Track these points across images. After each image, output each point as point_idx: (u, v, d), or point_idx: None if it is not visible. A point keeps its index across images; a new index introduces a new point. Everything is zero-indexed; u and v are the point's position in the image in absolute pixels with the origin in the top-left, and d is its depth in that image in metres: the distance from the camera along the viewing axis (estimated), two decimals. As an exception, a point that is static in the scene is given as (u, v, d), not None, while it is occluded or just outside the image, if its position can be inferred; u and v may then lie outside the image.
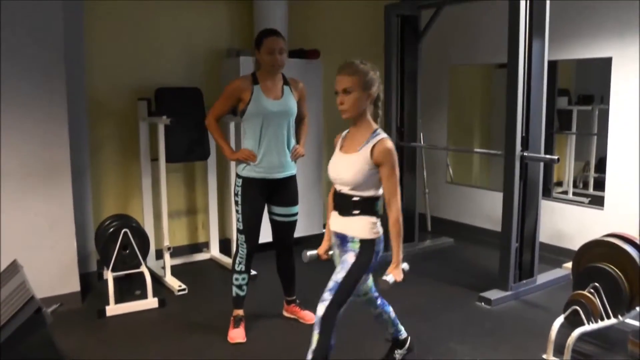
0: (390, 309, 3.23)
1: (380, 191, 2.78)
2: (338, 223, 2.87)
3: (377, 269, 2.84)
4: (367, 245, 2.77)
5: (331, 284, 2.75)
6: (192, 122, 4.82)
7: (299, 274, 4.04)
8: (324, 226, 3.18)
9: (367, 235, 2.77)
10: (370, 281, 3.08)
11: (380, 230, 2.81)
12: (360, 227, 2.78)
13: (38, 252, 4.08)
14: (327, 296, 2.72)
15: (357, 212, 2.78)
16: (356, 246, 2.78)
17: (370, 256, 2.78)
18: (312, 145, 5.61)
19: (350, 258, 2.78)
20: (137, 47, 5.12)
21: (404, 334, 3.31)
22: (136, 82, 5.10)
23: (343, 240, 2.84)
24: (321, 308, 2.70)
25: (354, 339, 3.65)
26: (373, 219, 2.78)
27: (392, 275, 2.73)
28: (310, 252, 3.08)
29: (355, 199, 2.77)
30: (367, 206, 2.78)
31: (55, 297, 4.11)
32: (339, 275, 2.76)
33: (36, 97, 4.00)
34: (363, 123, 2.80)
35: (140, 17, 5.09)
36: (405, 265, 2.80)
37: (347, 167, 2.77)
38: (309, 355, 2.70)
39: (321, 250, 3.10)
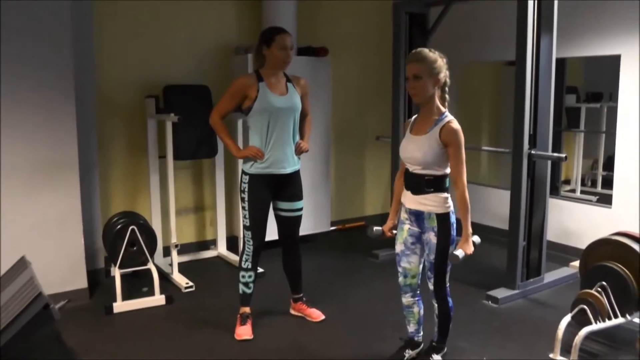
0: (422, 308, 3.32)
1: (448, 169, 3.00)
2: (413, 201, 3.08)
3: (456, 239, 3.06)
4: (443, 219, 3.01)
5: (427, 264, 3.12)
6: (200, 120, 4.80)
7: (305, 272, 4.04)
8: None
9: (442, 210, 3.01)
10: (420, 266, 3.22)
11: (452, 204, 3.04)
12: (435, 203, 3.01)
13: (46, 248, 4.10)
14: (430, 274, 3.11)
15: (430, 189, 3.01)
16: (433, 223, 3.02)
17: (449, 228, 3.01)
18: (320, 142, 5.60)
19: (432, 239, 3.04)
20: (146, 44, 5.12)
21: (421, 338, 3.37)
22: (144, 80, 5.11)
23: (418, 217, 3.08)
24: (430, 284, 3.13)
25: (364, 337, 3.67)
26: (445, 194, 3.02)
27: (462, 250, 2.92)
28: (376, 228, 3.26)
29: (428, 177, 3.00)
30: (439, 184, 3.01)
31: (63, 293, 4.13)
32: (430, 256, 3.08)
33: (44, 93, 4.01)
34: (431, 107, 3.01)
35: (148, 15, 5.09)
36: (476, 238, 3.02)
37: (418, 148, 2.99)
38: (435, 319, 3.19)
39: (386, 227, 3.30)
